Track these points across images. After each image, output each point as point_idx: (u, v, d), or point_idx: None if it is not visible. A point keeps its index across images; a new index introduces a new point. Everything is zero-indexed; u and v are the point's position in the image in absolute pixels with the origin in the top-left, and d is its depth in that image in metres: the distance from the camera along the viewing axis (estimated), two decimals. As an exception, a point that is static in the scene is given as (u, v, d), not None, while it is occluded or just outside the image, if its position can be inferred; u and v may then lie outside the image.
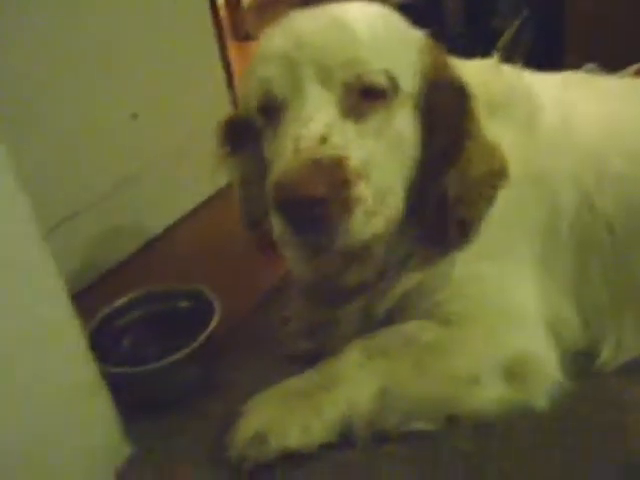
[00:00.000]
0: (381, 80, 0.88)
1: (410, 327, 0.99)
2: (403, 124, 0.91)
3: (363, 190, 0.82)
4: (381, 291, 1.02)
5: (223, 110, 1.79)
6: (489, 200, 0.95)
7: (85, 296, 1.32)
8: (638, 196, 0.99)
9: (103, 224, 1.47)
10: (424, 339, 0.97)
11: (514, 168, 0.96)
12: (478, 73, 1.03)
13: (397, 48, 0.92)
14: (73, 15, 1.34)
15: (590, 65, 1.58)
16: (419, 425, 0.94)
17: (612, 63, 1.48)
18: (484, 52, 1.85)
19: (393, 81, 0.89)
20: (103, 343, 1.10)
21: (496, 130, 0.98)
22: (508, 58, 1.78)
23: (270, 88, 0.89)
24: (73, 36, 1.34)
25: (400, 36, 0.94)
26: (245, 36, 3.48)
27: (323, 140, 0.82)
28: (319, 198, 0.78)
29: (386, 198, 0.87)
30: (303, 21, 0.93)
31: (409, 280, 1.00)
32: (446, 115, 0.92)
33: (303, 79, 0.87)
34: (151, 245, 1.57)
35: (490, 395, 0.93)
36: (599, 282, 1.00)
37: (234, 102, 1.85)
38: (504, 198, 0.97)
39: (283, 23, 0.95)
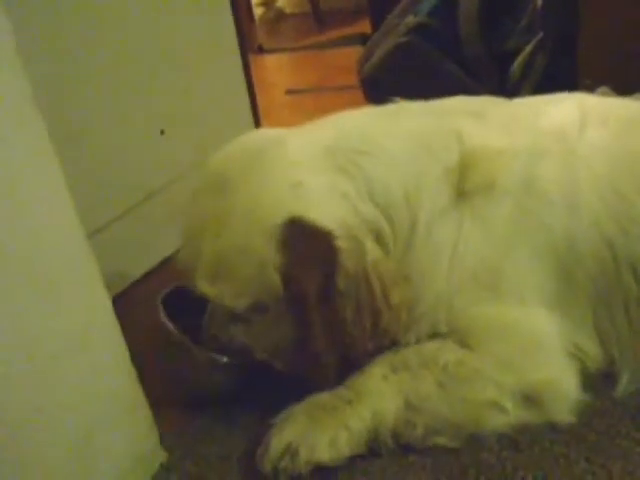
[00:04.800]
0: (246, 312, 1.01)
1: (429, 347, 1.02)
2: (276, 319, 1.01)
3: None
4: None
5: (245, 124, 1.85)
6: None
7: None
8: None
9: (129, 237, 1.52)
10: (443, 361, 0.99)
11: (512, 231, 1.01)
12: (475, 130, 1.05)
13: (254, 278, 0.97)
14: (109, 41, 1.41)
15: (604, 88, 1.62)
16: (442, 441, 0.97)
17: (626, 86, 1.52)
18: (500, 73, 1.91)
19: (258, 305, 1.00)
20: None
21: (485, 203, 1.01)
22: (523, 79, 1.85)
23: None
24: (108, 60, 1.41)
25: (257, 257, 0.96)
26: (259, 49, 3.54)
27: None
28: None
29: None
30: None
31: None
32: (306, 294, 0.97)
33: None
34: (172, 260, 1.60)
35: (511, 419, 0.97)
36: (622, 320, 1.01)
37: (255, 116, 1.90)
38: (512, 251, 1.00)
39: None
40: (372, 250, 1.00)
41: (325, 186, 1.00)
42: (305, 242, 0.96)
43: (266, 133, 1.10)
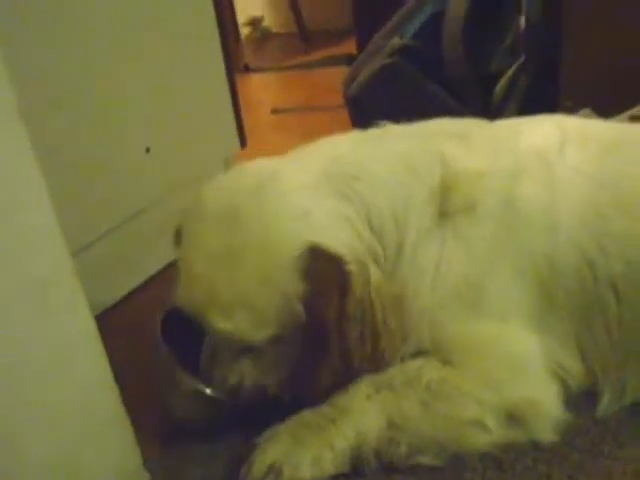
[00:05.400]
0: (263, 345, 1.01)
1: (413, 366, 1.02)
2: (288, 348, 1.02)
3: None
4: None
5: (231, 143, 1.86)
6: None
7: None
8: None
9: (113, 255, 1.51)
10: (426, 379, 0.99)
11: (494, 250, 1.02)
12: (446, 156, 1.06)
13: (277, 309, 0.98)
14: (95, 60, 1.41)
15: (586, 110, 1.64)
16: (425, 460, 0.97)
17: (607, 108, 1.54)
18: (484, 94, 1.93)
19: (274, 337, 1.00)
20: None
21: (467, 227, 1.03)
22: (506, 101, 1.87)
23: None
24: (93, 78, 1.41)
25: (280, 288, 0.97)
26: (245, 68, 3.56)
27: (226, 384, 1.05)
28: None
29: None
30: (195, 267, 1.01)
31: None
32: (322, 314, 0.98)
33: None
34: (162, 276, 1.60)
35: (494, 438, 0.97)
36: (603, 337, 1.02)
37: (240, 134, 1.91)
38: (494, 270, 1.02)
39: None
40: (374, 274, 1.01)
41: (330, 212, 1.01)
42: (323, 269, 0.97)
43: (259, 164, 1.10)
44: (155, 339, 1.11)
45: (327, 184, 1.03)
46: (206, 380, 1.07)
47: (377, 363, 1.02)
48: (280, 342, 1.01)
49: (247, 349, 1.02)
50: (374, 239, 1.03)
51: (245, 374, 1.04)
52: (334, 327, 0.97)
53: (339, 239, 0.99)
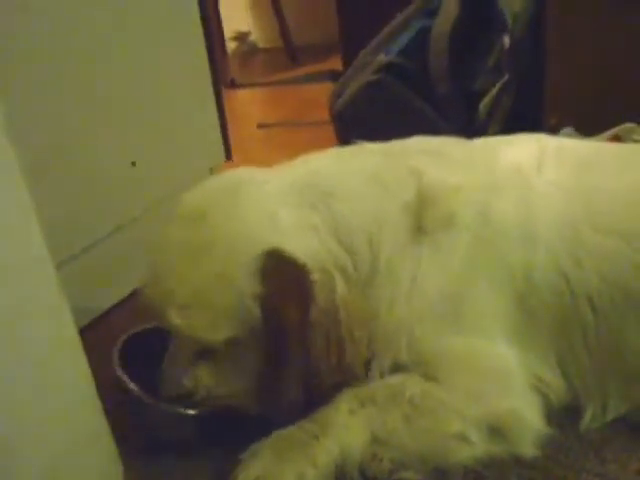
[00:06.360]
0: (219, 347, 1.00)
1: (395, 380, 1.02)
2: (247, 355, 1.02)
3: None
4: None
5: (217, 157, 1.86)
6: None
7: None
8: (617, 268, 1.00)
9: (98, 268, 1.50)
10: (409, 394, 0.99)
11: (470, 262, 1.02)
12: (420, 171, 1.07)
13: (232, 308, 0.98)
14: (81, 72, 1.41)
15: (568, 129, 1.66)
16: (409, 475, 0.97)
17: (590, 126, 1.57)
18: (469, 112, 1.95)
19: (231, 340, 0.99)
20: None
21: (445, 241, 1.03)
22: (489, 119, 1.89)
23: None
24: (79, 91, 1.41)
25: (236, 286, 0.97)
26: (231, 83, 3.57)
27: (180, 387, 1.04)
28: None
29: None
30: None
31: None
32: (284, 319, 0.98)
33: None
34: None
35: (477, 451, 0.97)
36: (582, 352, 1.02)
37: (226, 149, 1.91)
38: (471, 282, 1.02)
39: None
40: (340, 285, 1.02)
41: (299, 221, 1.02)
42: (283, 273, 0.97)
43: (239, 172, 1.12)
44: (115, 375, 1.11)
45: (299, 195, 1.05)
46: (164, 382, 1.06)
47: (344, 374, 1.02)
48: (237, 347, 1.01)
49: (205, 352, 1.02)
50: (342, 251, 1.04)
51: (200, 379, 1.04)
52: (295, 334, 0.97)
53: (305, 247, 1.00)
